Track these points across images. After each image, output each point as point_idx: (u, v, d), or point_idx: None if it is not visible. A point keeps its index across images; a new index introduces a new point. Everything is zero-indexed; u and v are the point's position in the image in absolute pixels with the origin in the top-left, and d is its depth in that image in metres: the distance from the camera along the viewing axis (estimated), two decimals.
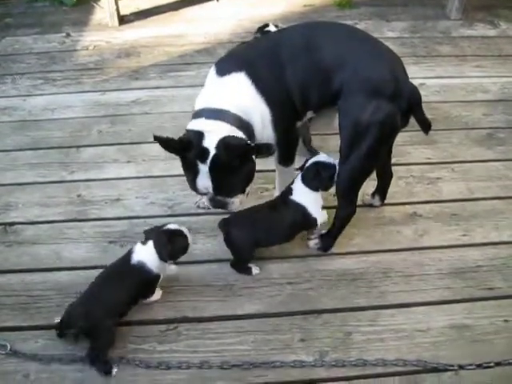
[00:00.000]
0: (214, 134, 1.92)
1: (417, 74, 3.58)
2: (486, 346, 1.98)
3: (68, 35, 4.09)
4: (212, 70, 2.13)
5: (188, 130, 2.01)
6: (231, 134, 1.93)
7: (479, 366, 1.89)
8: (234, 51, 2.37)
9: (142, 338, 2.00)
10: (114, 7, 4.15)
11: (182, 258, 2.07)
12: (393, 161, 2.80)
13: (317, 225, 2.25)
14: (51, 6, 4.55)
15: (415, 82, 3.33)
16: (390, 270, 2.26)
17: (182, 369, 1.89)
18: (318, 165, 2.18)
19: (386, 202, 2.58)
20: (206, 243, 2.35)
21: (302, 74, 2.03)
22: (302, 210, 2.19)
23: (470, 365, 1.89)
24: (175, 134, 2.98)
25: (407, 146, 2.95)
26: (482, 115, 3.23)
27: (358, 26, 3.78)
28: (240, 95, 2.00)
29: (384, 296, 2.16)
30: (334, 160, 2.17)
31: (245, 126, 1.99)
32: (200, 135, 1.95)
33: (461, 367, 1.89)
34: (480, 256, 2.33)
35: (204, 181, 1.97)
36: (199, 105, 2.06)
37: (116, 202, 2.58)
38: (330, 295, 2.16)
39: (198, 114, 2.03)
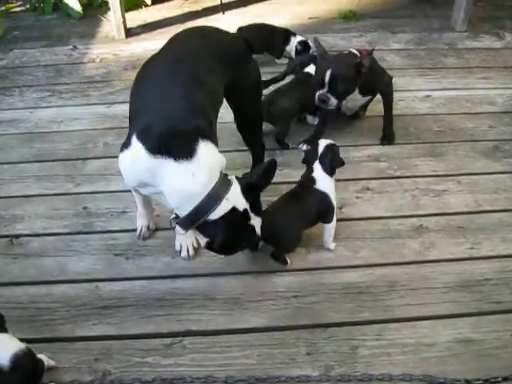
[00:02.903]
0: None
1: (422, 86, 3.59)
2: (493, 361, 1.96)
3: (75, 48, 4.12)
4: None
5: None
6: None
7: (486, 381, 1.86)
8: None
9: (146, 352, 1.99)
10: (121, 20, 4.17)
11: (187, 272, 2.07)
12: (398, 173, 2.83)
13: (334, 213, 2.34)
14: (58, 19, 4.58)
15: (421, 94, 3.38)
16: (395, 284, 2.24)
17: (187, 383, 1.88)
18: (330, 147, 2.34)
19: (392, 214, 2.58)
20: (212, 256, 2.33)
21: None
22: (326, 199, 2.30)
23: (477, 380, 1.86)
24: None
25: (413, 158, 2.94)
26: (488, 127, 3.21)
27: (363, 38, 3.85)
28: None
29: (390, 310, 2.15)
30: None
31: None
32: None
33: (468, 382, 1.86)
34: (487, 269, 2.31)
35: None
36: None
37: (122, 215, 2.58)
38: (336, 309, 2.15)
39: None
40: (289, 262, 2.30)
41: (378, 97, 3.04)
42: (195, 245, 2.32)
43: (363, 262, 2.35)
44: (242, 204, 1.94)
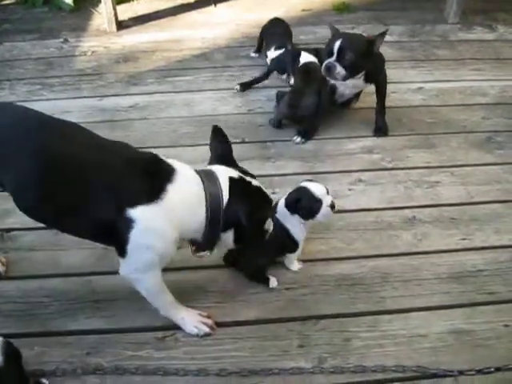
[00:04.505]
0: None
1: (415, 77, 3.59)
2: (486, 351, 1.96)
3: (66, 41, 4.09)
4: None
5: None
6: None
7: (479, 371, 1.87)
8: None
9: (139, 345, 1.98)
10: (112, 13, 4.15)
11: (179, 264, 2.06)
12: (391, 165, 2.83)
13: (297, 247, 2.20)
14: (49, 12, 4.55)
15: (414, 86, 3.38)
16: (388, 275, 2.24)
17: (179, 376, 1.87)
18: (301, 192, 2.12)
19: (385, 206, 2.58)
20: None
21: None
22: (285, 232, 2.16)
23: (470, 370, 1.87)
24: (173, 138, 3.02)
25: (406, 149, 2.95)
26: (480, 119, 3.22)
27: (356, 30, 3.83)
28: None
29: (383, 301, 2.15)
30: (323, 190, 2.11)
31: None
32: None
33: (461, 373, 1.86)
34: (480, 260, 2.32)
35: None
36: None
37: None
38: (329, 301, 2.15)
39: None
40: (271, 284, 2.20)
41: (370, 88, 3.03)
42: (203, 318, 2.07)
43: (356, 254, 2.34)
44: (235, 174, 1.89)
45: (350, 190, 2.68)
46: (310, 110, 2.97)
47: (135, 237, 1.72)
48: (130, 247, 1.75)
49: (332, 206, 2.10)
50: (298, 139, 2.99)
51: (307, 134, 3.02)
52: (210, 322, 2.02)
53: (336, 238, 2.41)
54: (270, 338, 2.01)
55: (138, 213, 1.70)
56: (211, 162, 1.97)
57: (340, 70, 2.71)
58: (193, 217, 1.81)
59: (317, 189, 2.10)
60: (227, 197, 1.82)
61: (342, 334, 2.02)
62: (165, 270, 1.90)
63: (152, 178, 1.76)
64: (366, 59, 2.74)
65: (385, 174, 2.78)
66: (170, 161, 1.85)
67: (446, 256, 2.34)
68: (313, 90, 2.97)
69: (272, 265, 2.25)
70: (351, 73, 2.75)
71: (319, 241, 2.39)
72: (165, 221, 1.75)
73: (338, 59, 2.70)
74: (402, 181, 2.74)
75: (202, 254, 1.99)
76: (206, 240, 1.88)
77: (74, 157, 1.74)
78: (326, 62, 2.74)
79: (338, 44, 2.69)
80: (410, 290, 2.19)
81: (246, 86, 3.44)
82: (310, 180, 2.19)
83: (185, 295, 2.11)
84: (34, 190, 1.75)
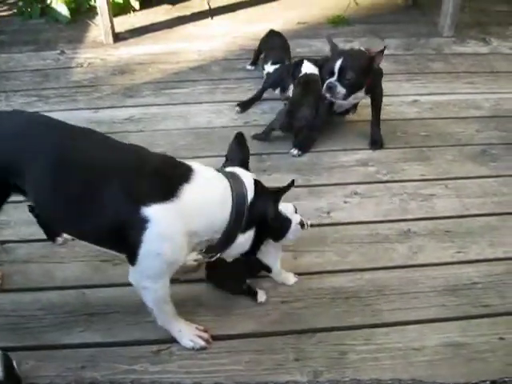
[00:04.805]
0: None
1: (410, 90, 3.61)
2: (481, 364, 1.96)
3: (62, 52, 4.10)
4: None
5: None
6: None
7: None
8: None
9: (134, 359, 1.97)
10: (109, 25, 4.16)
11: (174, 276, 2.06)
12: (386, 178, 2.84)
13: (270, 271, 2.20)
14: (46, 24, 4.56)
15: (408, 99, 3.40)
16: (384, 288, 2.24)
17: None
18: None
19: (380, 218, 2.59)
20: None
21: None
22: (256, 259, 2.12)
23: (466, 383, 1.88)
24: (169, 151, 3.01)
25: (401, 162, 2.96)
26: (475, 131, 3.23)
27: (352, 44, 3.84)
28: None
29: (378, 314, 2.15)
30: (291, 209, 2.08)
31: None
32: None
33: None
34: (475, 273, 2.32)
35: None
36: None
37: None
38: (324, 314, 2.14)
39: None
40: (260, 299, 2.18)
41: (366, 101, 3.04)
42: (199, 331, 2.05)
43: (352, 267, 2.35)
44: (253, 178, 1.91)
45: (345, 202, 2.69)
46: (307, 120, 2.98)
47: (148, 239, 1.69)
48: (141, 252, 1.72)
49: (302, 224, 2.08)
50: (295, 152, 3.00)
51: (304, 147, 3.03)
52: (206, 335, 2.02)
53: (331, 250, 2.42)
54: (265, 352, 2.00)
55: (152, 211, 1.67)
56: (228, 166, 1.98)
57: (341, 89, 2.74)
58: (214, 215, 1.79)
59: (284, 208, 2.06)
60: (252, 195, 1.82)
61: (338, 348, 2.02)
62: None
63: (168, 177, 1.75)
64: (365, 76, 2.76)
65: (380, 187, 2.79)
66: (188, 162, 1.84)
67: (442, 269, 2.34)
68: (311, 102, 2.98)
69: (266, 277, 2.25)
70: (351, 92, 2.79)
71: (314, 254, 2.39)
72: (179, 223, 1.72)
73: (339, 79, 2.73)
74: (397, 193, 2.74)
75: (206, 258, 1.96)
76: (225, 239, 1.83)
77: (89, 156, 1.76)
78: (327, 82, 2.76)
79: (339, 63, 2.71)
80: (406, 302, 2.19)
81: (245, 106, 3.41)
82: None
83: (180, 308, 2.10)
84: (50, 192, 1.77)
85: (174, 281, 2.14)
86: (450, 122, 3.32)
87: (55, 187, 1.76)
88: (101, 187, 1.71)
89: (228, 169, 1.93)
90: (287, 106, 3.05)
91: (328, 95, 2.79)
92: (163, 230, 1.71)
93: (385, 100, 3.10)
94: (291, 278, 2.26)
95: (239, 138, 2.01)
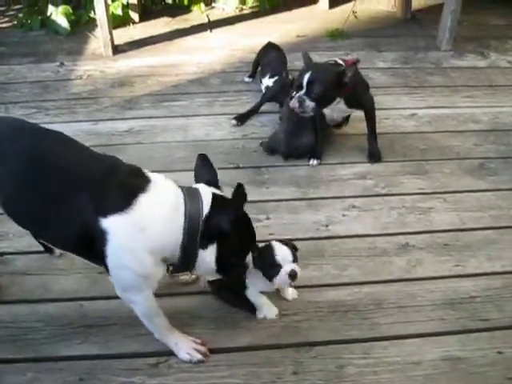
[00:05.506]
0: None
1: (408, 104, 3.63)
2: (480, 379, 1.95)
3: (62, 64, 4.12)
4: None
5: None
6: None
7: None
8: None
9: (132, 371, 1.96)
10: (109, 37, 4.19)
11: (173, 290, 2.06)
12: (384, 191, 2.84)
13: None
14: (46, 36, 4.59)
15: (407, 113, 3.41)
16: (382, 302, 2.24)
17: None
18: (264, 250, 2.05)
19: (378, 232, 2.59)
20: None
21: None
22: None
23: None
24: (167, 163, 3.02)
25: (399, 176, 2.96)
26: (473, 145, 3.25)
27: (350, 57, 3.85)
28: None
29: (377, 328, 2.14)
30: (288, 257, 2.01)
31: None
32: None
33: None
34: (473, 287, 2.32)
35: None
36: None
37: None
38: (322, 327, 2.14)
39: None
40: (259, 315, 2.16)
41: (361, 115, 3.05)
42: (196, 345, 2.03)
43: (350, 280, 2.34)
44: (219, 193, 1.88)
45: (343, 215, 2.69)
46: (309, 146, 3.02)
47: (111, 252, 1.69)
48: (109, 264, 1.72)
49: (292, 276, 1.98)
50: (315, 162, 3.02)
51: (319, 155, 3.06)
52: (203, 349, 2.01)
53: (329, 264, 2.41)
54: (263, 365, 1.99)
55: (110, 223, 1.67)
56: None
57: (309, 103, 2.72)
58: (166, 225, 1.74)
59: (281, 252, 2.01)
60: (208, 208, 1.78)
61: (336, 361, 2.01)
62: (158, 295, 1.90)
63: (127, 188, 1.74)
64: (337, 89, 2.75)
65: (378, 200, 2.80)
66: (149, 173, 1.84)
67: (440, 282, 2.34)
68: (308, 129, 3.01)
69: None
70: (320, 105, 2.77)
71: (312, 267, 2.39)
72: (137, 235, 1.69)
73: (307, 93, 2.72)
74: (395, 207, 2.75)
75: (182, 277, 1.94)
76: (184, 254, 1.78)
77: (58, 161, 1.77)
78: (296, 96, 2.74)
79: (306, 77, 2.70)
80: (404, 316, 2.18)
81: (243, 119, 3.42)
82: (282, 241, 2.10)
83: (178, 321, 2.10)
84: (16, 192, 1.77)
85: (172, 293, 2.15)
86: (448, 135, 3.33)
87: (22, 189, 1.76)
88: (66, 195, 1.71)
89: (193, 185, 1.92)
90: (284, 138, 3.03)
91: (297, 109, 2.77)
92: (123, 242, 1.70)
93: (383, 113, 3.12)
94: (291, 293, 2.24)
95: (202, 158, 1.99)
